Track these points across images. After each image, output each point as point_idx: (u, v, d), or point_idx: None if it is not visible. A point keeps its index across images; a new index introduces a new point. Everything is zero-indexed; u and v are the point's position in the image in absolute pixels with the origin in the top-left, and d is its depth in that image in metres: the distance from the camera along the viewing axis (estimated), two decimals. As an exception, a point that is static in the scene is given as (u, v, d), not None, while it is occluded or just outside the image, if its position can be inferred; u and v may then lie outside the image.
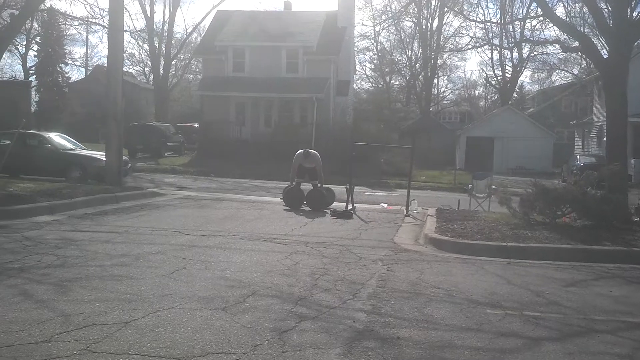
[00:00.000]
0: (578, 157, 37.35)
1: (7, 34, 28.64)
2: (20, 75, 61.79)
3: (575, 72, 57.72)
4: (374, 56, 68.86)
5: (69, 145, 21.42)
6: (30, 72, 61.22)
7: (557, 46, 40.62)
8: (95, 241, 9.67)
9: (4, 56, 37.88)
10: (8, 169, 18.45)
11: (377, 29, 64.05)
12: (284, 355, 4.98)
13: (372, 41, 66.51)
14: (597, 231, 11.43)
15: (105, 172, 18.06)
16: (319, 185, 15.85)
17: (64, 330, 5.32)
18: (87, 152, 21.35)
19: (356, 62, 55.27)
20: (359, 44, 62.50)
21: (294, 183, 15.96)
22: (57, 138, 21.67)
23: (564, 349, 5.55)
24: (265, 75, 35.77)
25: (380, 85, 70.55)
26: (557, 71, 62.33)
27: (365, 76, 72.46)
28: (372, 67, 71.37)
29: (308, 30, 37.61)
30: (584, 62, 52.57)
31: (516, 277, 8.52)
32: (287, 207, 15.52)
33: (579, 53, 40.16)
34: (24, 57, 62.18)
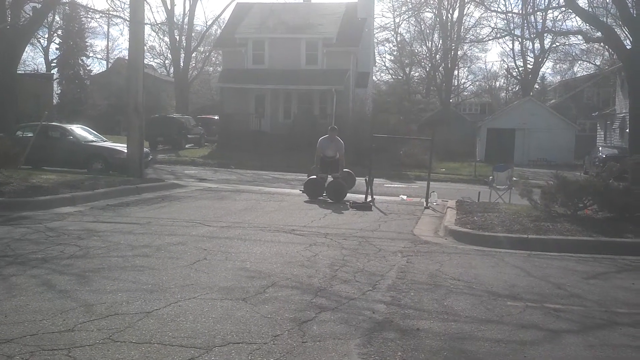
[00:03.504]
0: (600, 148, 36.97)
1: (29, 27, 28.96)
2: (43, 68, 62.52)
3: (598, 63, 57.13)
4: (393, 48, 68.77)
5: (91, 137, 21.62)
6: (52, 64, 61.91)
7: (580, 37, 40.30)
8: (117, 232, 9.77)
9: (26, 49, 38.31)
10: (31, 161, 18.69)
11: (397, 20, 64.01)
12: (304, 346, 5.01)
13: (392, 32, 66.40)
14: (619, 223, 11.33)
15: (126, 163, 18.22)
16: (339, 177, 15.86)
17: (87, 320, 5.38)
18: (108, 144, 21.53)
19: (376, 53, 55.21)
20: (378, 35, 62.35)
21: (318, 166, 16.03)
22: (79, 130, 21.87)
23: (585, 342, 5.52)
24: (285, 67, 35.80)
25: (400, 77, 70.34)
26: (579, 62, 61.82)
27: (384, 68, 72.42)
28: (392, 58, 71.29)
29: (328, 22, 37.57)
30: (606, 53, 51.97)
31: (537, 269, 8.47)
32: (307, 197, 15.64)
33: (602, 44, 39.75)
34: (46, 50, 62.94)
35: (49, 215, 11.22)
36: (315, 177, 16.04)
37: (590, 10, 25.49)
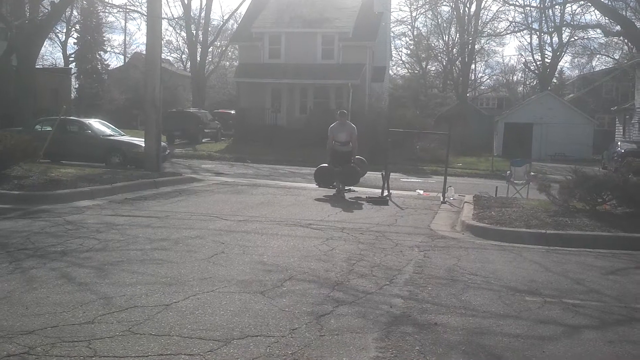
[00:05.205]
0: (619, 143, 36.55)
1: (47, 21, 29.21)
2: (61, 62, 63.01)
3: (617, 57, 56.47)
4: (410, 42, 68.58)
5: (109, 132, 21.76)
6: (70, 59, 62.28)
7: (598, 31, 39.94)
8: (135, 225, 9.83)
9: (44, 44, 38.66)
10: (49, 155, 18.85)
11: (413, 14, 63.74)
12: (321, 339, 5.02)
13: (409, 26, 66.20)
14: (638, 219, 11.21)
15: (144, 158, 18.31)
16: (352, 161, 15.49)
17: (107, 312, 5.44)
18: (126, 138, 21.64)
19: (392, 47, 55.03)
20: (395, 29, 62.19)
21: (329, 157, 15.64)
22: (97, 124, 22.02)
23: (604, 337, 5.49)
24: (301, 62, 35.74)
25: (417, 71, 70.08)
26: (597, 56, 61.07)
27: (401, 62, 72.18)
28: (409, 52, 71.07)
29: (344, 16, 37.44)
30: (625, 47, 51.41)
31: (555, 264, 8.43)
32: (317, 185, 15.72)
33: (621, 37, 39.33)
34: (64, 45, 63.34)
35: (68, 208, 11.32)
36: (326, 165, 15.73)
37: (609, 3, 25.26)
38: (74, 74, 56.77)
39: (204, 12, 51.68)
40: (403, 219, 12.22)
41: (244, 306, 5.77)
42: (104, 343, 4.73)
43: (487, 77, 76.09)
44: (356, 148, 15.68)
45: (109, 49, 67.78)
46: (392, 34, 55.43)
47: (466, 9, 58.86)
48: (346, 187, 15.63)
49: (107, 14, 57.94)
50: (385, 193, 15.13)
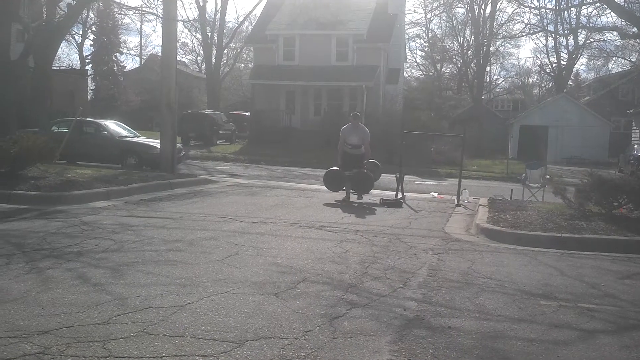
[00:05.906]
0: (635, 146, 36.25)
1: (64, 23, 29.45)
2: (77, 64, 63.51)
3: (633, 60, 56.09)
4: (424, 44, 68.52)
5: (125, 133, 21.88)
6: (86, 61, 62.76)
7: (615, 33, 39.59)
8: (150, 227, 9.88)
9: (61, 45, 38.99)
10: (66, 156, 18.98)
11: (428, 16, 63.73)
12: (335, 342, 5.02)
13: (423, 28, 66.22)
14: (655, 223, 11.13)
15: (159, 159, 18.39)
16: (364, 168, 14.95)
17: (122, 313, 5.46)
18: (142, 139, 21.75)
19: (407, 49, 54.88)
20: (409, 31, 62.17)
21: (340, 161, 15.02)
22: (113, 126, 22.14)
23: (620, 342, 5.45)
24: (315, 64, 35.80)
25: (431, 73, 69.99)
26: (614, 58, 60.75)
27: (415, 64, 72.16)
28: (423, 54, 70.99)
29: (358, 18, 37.46)
30: (643, 49, 51.02)
31: (571, 268, 8.37)
32: (328, 188, 15.23)
33: (638, 40, 39.01)
34: (80, 46, 63.89)
35: (84, 209, 11.40)
36: (336, 168, 15.21)
37: (626, 5, 25.04)
38: (90, 75, 57.27)
39: (219, 14, 52.04)
40: (417, 221, 12.19)
41: (257, 308, 5.78)
42: (118, 343, 4.76)
43: (502, 79, 75.93)
44: (369, 152, 15.14)
45: (124, 51, 68.30)
46: (406, 36, 55.40)
47: (481, 10, 58.80)
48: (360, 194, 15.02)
49: (122, 16, 58.72)
50: (400, 195, 15.10)
